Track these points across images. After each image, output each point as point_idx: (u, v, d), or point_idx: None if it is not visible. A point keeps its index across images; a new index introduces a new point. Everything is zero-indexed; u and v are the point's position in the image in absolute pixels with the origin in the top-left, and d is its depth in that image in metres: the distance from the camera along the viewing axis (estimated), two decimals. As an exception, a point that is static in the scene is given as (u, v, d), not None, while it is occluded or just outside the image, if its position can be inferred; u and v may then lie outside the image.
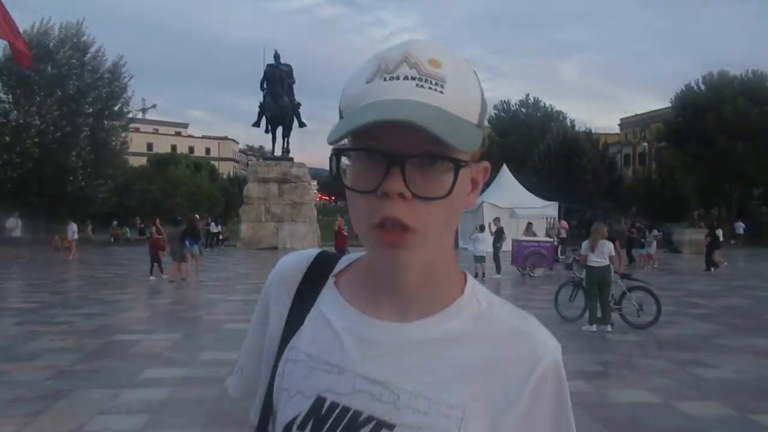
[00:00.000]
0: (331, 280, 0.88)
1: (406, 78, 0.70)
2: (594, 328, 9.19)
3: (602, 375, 6.86)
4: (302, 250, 0.98)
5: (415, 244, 0.71)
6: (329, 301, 0.85)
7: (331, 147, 0.74)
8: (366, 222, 0.72)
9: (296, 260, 0.93)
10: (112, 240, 35.72)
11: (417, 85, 0.69)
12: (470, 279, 0.86)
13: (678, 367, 7.11)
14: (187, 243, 15.72)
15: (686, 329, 9.62)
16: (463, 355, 0.78)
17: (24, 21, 35.83)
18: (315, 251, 0.94)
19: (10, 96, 32.80)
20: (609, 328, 9.21)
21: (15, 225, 22.54)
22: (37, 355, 7.29)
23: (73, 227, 22.98)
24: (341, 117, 0.75)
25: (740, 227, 36.98)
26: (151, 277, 15.75)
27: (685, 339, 8.84)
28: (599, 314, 9.31)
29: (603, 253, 9.27)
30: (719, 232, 22.03)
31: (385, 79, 0.70)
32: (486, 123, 0.79)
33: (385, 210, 0.69)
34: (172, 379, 6.33)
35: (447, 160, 0.70)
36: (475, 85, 0.75)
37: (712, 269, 19.98)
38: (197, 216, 18.90)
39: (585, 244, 9.61)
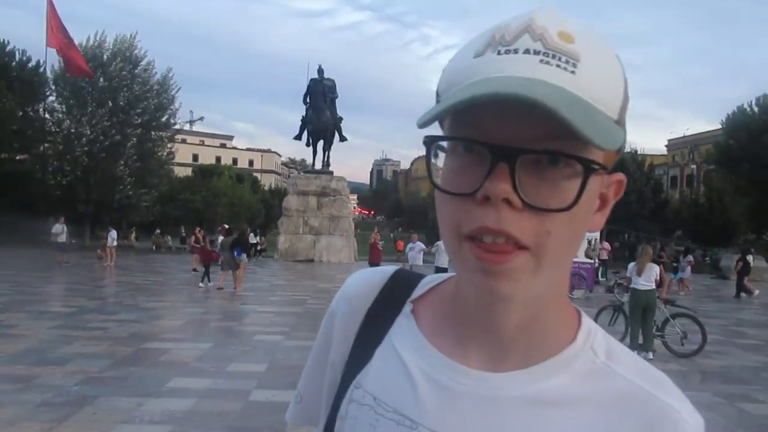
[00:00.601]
0: (408, 308, 0.72)
1: (527, 52, 0.54)
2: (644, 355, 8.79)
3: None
4: (375, 268, 0.81)
5: (523, 269, 0.55)
6: (404, 333, 0.70)
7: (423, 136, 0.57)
8: (455, 232, 0.56)
9: (368, 279, 0.77)
10: (154, 248, 36.39)
11: (541, 61, 0.53)
12: (586, 319, 0.68)
13: (725, 401, 6.70)
14: (236, 253, 16.06)
15: (734, 360, 9.14)
16: (568, 421, 0.60)
17: (79, 33, 37.21)
18: (390, 269, 0.79)
19: (64, 106, 34.00)
20: (650, 355, 8.83)
21: (61, 230, 23.14)
22: (68, 360, 7.34)
23: (113, 234, 23.41)
24: (438, 101, 0.59)
25: (793, 255, 35.50)
26: (201, 285, 16.39)
27: (732, 371, 8.37)
28: (641, 340, 8.95)
29: (650, 276, 8.96)
30: (750, 258, 21.54)
31: (499, 53, 0.55)
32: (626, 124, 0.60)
33: (486, 218, 0.53)
34: (198, 390, 6.27)
35: (574, 161, 0.53)
36: (617, 71, 0.58)
37: (743, 295, 19.67)
38: (248, 228, 19.36)
39: (631, 266, 9.31)
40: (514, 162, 0.52)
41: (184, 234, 37.73)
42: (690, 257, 24.67)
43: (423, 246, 16.82)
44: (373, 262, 16.00)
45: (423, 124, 0.54)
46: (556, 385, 0.62)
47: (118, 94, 33.74)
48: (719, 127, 46.65)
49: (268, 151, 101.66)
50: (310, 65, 34.12)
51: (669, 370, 8.29)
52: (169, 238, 39.55)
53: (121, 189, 33.60)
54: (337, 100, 32.84)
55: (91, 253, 25.47)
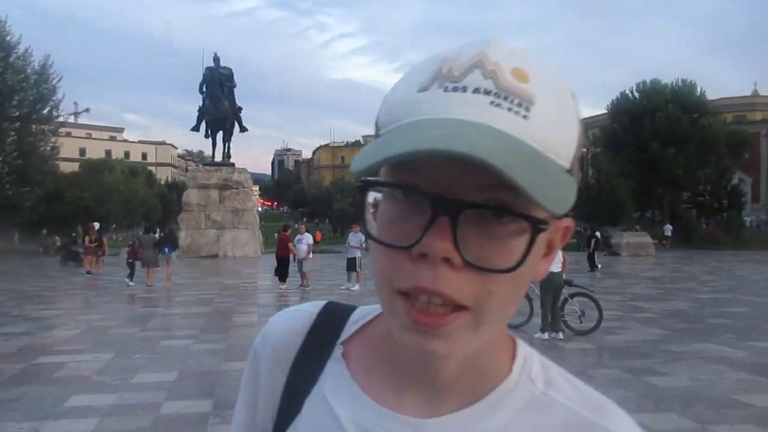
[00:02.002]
0: (338, 351, 0.66)
1: (477, 91, 0.48)
2: (546, 336, 9.09)
3: (559, 387, 6.67)
4: (302, 305, 0.72)
5: (461, 329, 0.50)
6: (335, 379, 0.64)
7: (357, 177, 0.51)
8: (388, 285, 0.51)
9: (291, 324, 0.69)
10: (41, 250, 33.85)
11: (492, 102, 0.48)
12: (521, 349, 0.63)
13: (632, 377, 7.01)
14: (166, 250, 16.62)
15: (635, 335, 9.63)
16: None
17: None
18: (318, 306, 0.71)
19: (-72, 98, 30.76)
20: (560, 335, 9.14)
21: None
22: (-53, 384, 6.56)
23: None
24: (377, 135, 0.53)
25: (668, 230, 38.57)
26: (129, 281, 16.56)
27: (635, 345, 8.80)
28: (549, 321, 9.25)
29: (558, 260, 9.20)
30: (598, 235, 24.22)
31: (446, 89, 0.49)
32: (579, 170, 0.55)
33: (422, 278, 0.48)
34: (101, 408, 5.75)
35: (521, 218, 0.48)
36: (572, 112, 0.53)
37: (596, 270, 21.57)
38: (175, 225, 20.24)
39: None
40: (457, 216, 0.48)
41: (73, 234, 35.38)
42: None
43: (311, 239, 16.17)
44: (281, 257, 15.48)
45: (359, 174, 0.48)
46: (495, 423, 0.58)
47: (-10, 84, 30.94)
48: (605, 111, 49.54)
49: (163, 143, 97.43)
50: (205, 53, 32.76)
51: (579, 348, 8.64)
52: (58, 238, 36.95)
53: (-1, 188, 30.93)
54: (235, 90, 31.83)
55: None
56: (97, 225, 24.95)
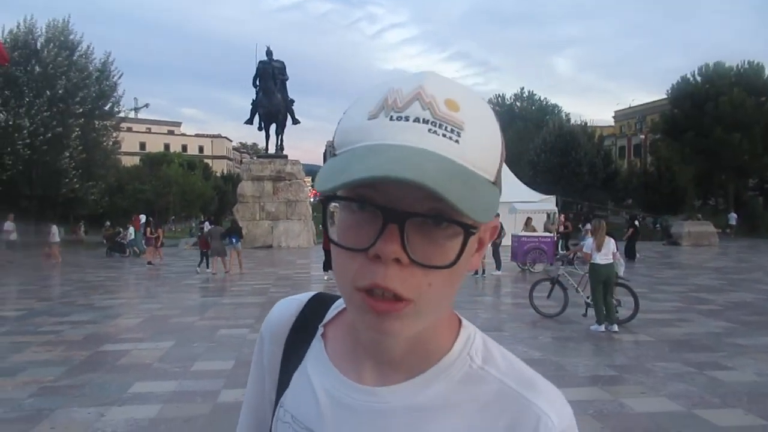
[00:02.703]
0: (319, 331, 0.80)
1: (417, 120, 0.59)
2: (602, 328, 8.87)
3: (617, 380, 6.50)
4: (296, 295, 0.87)
5: (408, 315, 0.61)
6: (315, 355, 0.78)
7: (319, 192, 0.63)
8: (351, 283, 0.62)
9: (286, 308, 0.85)
10: (104, 241, 35.18)
11: (430, 130, 0.59)
12: (465, 329, 0.74)
13: (696, 371, 6.76)
14: (232, 240, 17.59)
15: (697, 327, 9.28)
16: (446, 425, 0.68)
17: (10, 21, 35.28)
18: (307, 296, 0.86)
19: (-1, 98, 32.24)
20: (615, 327, 8.88)
21: (12, 228, 22.17)
22: (20, 370, 6.89)
23: (53, 230, 22.40)
24: (333, 154, 0.64)
25: (733, 218, 36.96)
26: (198, 269, 18.04)
27: (698, 338, 8.49)
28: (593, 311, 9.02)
29: (609, 250, 8.99)
30: (637, 223, 24.00)
31: (391, 118, 0.60)
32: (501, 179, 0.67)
33: (377, 275, 0.59)
34: (162, 395, 5.94)
35: (455, 224, 0.59)
36: (495, 134, 0.64)
37: (638, 257, 21.44)
38: (236, 219, 21.04)
39: (589, 241, 9.28)
40: (404, 223, 0.58)
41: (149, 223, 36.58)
42: (588, 226, 25.37)
43: None
44: (328, 249, 15.48)
45: (323, 192, 0.60)
46: (434, 392, 0.69)
47: (55, 82, 32.12)
48: (664, 97, 47.79)
49: (218, 136, 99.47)
50: (258, 47, 33.16)
51: (638, 341, 8.40)
52: (120, 230, 38.32)
53: (66, 182, 32.19)
54: (287, 82, 32.13)
55: (37, 252, 24.36)
56: (143, 217, 25.87)
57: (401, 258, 0.58)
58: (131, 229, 25.51)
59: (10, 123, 30.40)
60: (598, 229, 9.18)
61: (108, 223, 37.36)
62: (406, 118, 0.59)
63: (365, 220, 0.60)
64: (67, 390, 6.12)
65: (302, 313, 0.83)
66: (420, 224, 0.59)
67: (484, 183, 0.60)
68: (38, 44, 32.74)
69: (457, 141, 0.59)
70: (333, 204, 0.64)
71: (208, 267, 18.00)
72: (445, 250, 0.60)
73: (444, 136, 0.58)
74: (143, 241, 25.64)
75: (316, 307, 0.83)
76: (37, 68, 31.92)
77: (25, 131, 30.40)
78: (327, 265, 15.12)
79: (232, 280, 16.06)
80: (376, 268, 0.59)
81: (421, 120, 0.59)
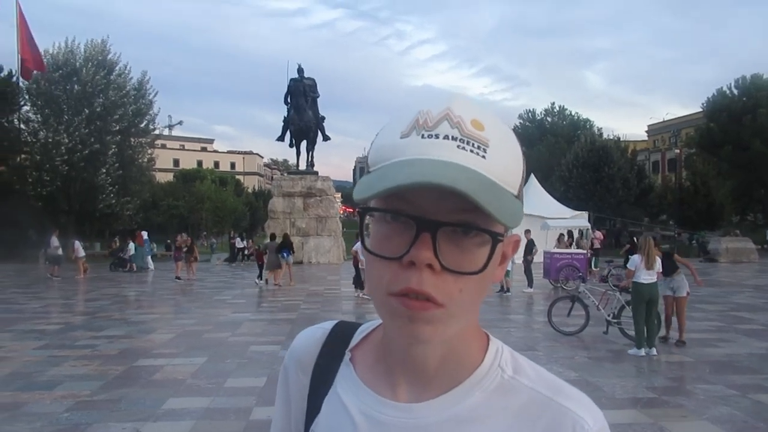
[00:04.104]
0: (347, 356, 0.82)
1: (446, 137, 0.64)
2: (643, 352, 8.43)
3: (657, 403, 6.31)
4: (318, 324, 0.89)
5: (440, 319, 0.65)
6: (345, 379, 0.79)
7: (357, 204, 0.67)
8: (385, 289, 0.65)
9: (311, 337, 0.87)
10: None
11: (458, 146, 0.64)
12: (494, 343, 0.78)
13: (739, 394, 6.53)
14: (284, 254, 18.88)
15: (739, 348, 8.99)
16: None
17: (50, 40, 36.39)
18: (331, 324, 0.88)
19: (39, 115, 33.23)
20: (654, 351, 8.54)
21: (58, 243, 22.72)
22: (57, 384, 7.00)
23: (76, 245, 22.79)
24: (368, 171, 0.68)
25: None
26: (257, 281, 19.25)
27: (740, 359, 8.23)
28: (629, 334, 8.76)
29: (655, 269, 8.68)
30: (635, 240, 23.14)
31: (423, 137, 0.64)
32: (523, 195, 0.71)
33: (411, 280, 0.63)
34: (196, 411, 5.97)
35: (483, 233, 0.64)
36: (517, 153, 0.69)
37: None
38: (287, 233, 22.24)
39: (636, 258, 8.79)
40: (436, 232, 0.62)
41: (168, 241, 37.12)
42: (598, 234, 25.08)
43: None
44: (357, 264, 15.39)
45: (360, 201, 0.64)
46: (470, 404, 0.71)
47: (93, 100, 33.03)
48: (699, 110, 47.00)
49: (250, 153, 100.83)
50: (289, 65, 33.61)
51: (676, 362, 8.17)
52: (154, 245, 38.92)
53: (103, 197, 32.95)
54: (318, 99, 32.46)
55: (75, 266, 24.88)
56: (145, 234, 26.46)
57: (434, 264, 0.62)
58: (132, 245, 25.86)
59: (50, 140, 31.30)
60: (645, 247, 8.73)
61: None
62: (437, 136, 0.64)
63: (399, 231, 0.64)
64: (104, 405, 6.19)
65: (327, 341, 0.85)
66: (450, 233, 0.63)
67: (508, 194, 0.65)
68: (78, 64, 33.70)
69: (483, 156, 0.63)
70: (368, 216, 0.68)
71: (260, 279, 19.19)
72: (474, 257, 0.64)
73: (471, 151, 0.63)
74: (149, 257, 26.19)
75: (341, 333, 0.85)
76: (76, 87, 32.86)
77: (63, 148, 31.25)
78: (357, 281, 15.12)
79: (264, 296, 16.16)
80: (410, 273, 0.63)
81: (450, 137, 0.64)
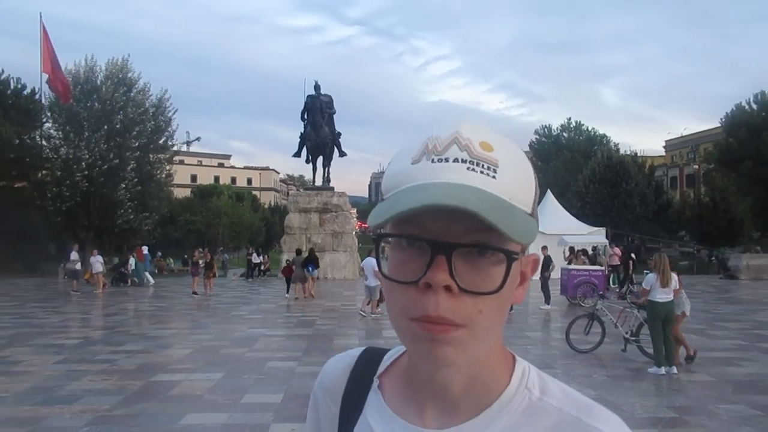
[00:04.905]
0: (375, 383, 0.82)
1: (456, 160, 0.65)
2: (663, 371, 8.34)
3: (678, 423, 6.22)
4: (346, 351, 0.90)
5: (461, 340, 0.64)
6: (374, 407, 0.80)
7: (373, 231, 0.68)
8: (404, 315, 0.66)
9: (339, 365, 0.88)
10: (156, 271, 36.06)
11: (468, 168, 0.65)
12: (520, 363, 0.77)
13: (762, 414, 6.43)
14: (309, 268, 19.66)
15: (762, 367, 8.84)
16: None
17: (71, 59, 37.07)
18: (358, 351, 0.89)
19: (60, 132, 33.76)
20: (674, 369, 8.46)
21: (77, 258, 22.99)
22: (76, 398, 7.06)
23: (99, 259, 22.97)
24: (382, 199, 0.69)
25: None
26: (286, 295, 19.94)
27: (763, 379, 8.09)
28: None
29: (671, 288, 8.57)
30: (633, 256, 23.94)
31: (433, 161, 0.66)
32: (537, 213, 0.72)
33: (428, 305, 0.63)
34: (213, 427, 5.99)
35: (498, 252, 0.64)
36: (529, 171, 0.70)
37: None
38: (313, 248, 22.79)
39: (651, 276, 8.70)
40: (450, 254, 0.63)
41: (185, 255, 37.37)
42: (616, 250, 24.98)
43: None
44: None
45: (375, 227, 0.65)
46: (498, 427, 0.70)
47: (113, 117, 33.48)
48: (717, 125, 46.63)
49: (266, 168, 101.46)
50: (306, 82, 33.77)
51: (697, 381, 8.05)
52: (171, 260, 39.25)
53: (122, 213, 33.30)
54: (334, 115, 32.67)
55: (92, 280, 25.12)
56: (145, 249, 26.67)
57: (451, 286, 0.62)
58: (132, 260, 26.03)
59: (70, 156, 31.75)
60: (660, 264, 8.62)
61: (159, 254, 38.36)
62: (446, 160, 0.65)
63: (414, 255, 0.65)
64: (123, 420, 6.23)
65: (356, 368, 0.85)
66: (465, 254, 0.64)
67: (521, 213, 0.65)
68: (98, 81, 34.26)
69: (494, 177, 0.64)
70: (384, 242, 0.69)
71: (288, 292, 19.97)
72: (490, 276, 0.64)
73: (481, 172, 0.64)
74: (151, 271, 26.36)
75: (368, 360, 0.86)
76: (97, 104, 33.37)
77: (83, 164, 31.69)
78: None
79: (280, 312, 16.19)
80: (428, 298, 0.63)
81: (460, 160, 0.65)
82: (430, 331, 0.63)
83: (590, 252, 22.80)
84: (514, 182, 0.66)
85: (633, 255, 23.82)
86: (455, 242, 0.63)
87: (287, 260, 22.92)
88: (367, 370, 0.84)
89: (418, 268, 0.63)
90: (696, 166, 47.08)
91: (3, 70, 34.77)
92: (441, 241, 0.63)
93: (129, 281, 25.70)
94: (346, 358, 0.88)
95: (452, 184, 0.63)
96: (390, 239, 0.67)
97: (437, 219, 0.62)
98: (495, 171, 0.65)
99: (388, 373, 0.82)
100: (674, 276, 8.67)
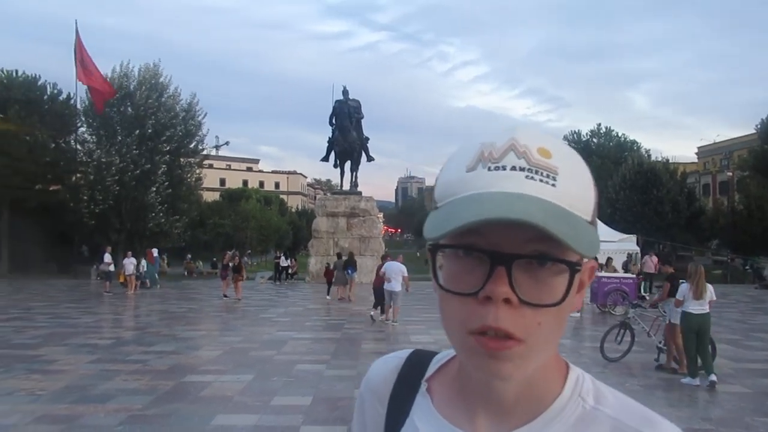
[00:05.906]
0: (423, 386, 0.80)
1: (513, 168, 0.63)
2: (696, 382, 8.18)
3: (713, 435, 6.10)
4: (393, 353, 0.89)
5: (520, 355, 0.63)
6: (422, 410, 0.78)
7: (428, 241, 0.66)
8: (462, 327, 0.64)
9: (387, 366, 0.87)
10: (185, 273, 36.54)
11: (527, 176, 0.62)
12: (574, 371, 0.75)
13: (802, 428, 6.26)
14: (349, 271, 20.44)
15: (800, 380, 8.61)
16: None
17: (105, 65, 37.87)
18: (406, 353, 0.87)
19: (94, 137, 34.49)
20: (713, 377, 8.19)
21: (110, 260, 23.47)
22: (110, 397, 7.19)
23: (132, 261, 23.36)
24: (435, 207, 0.67)
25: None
26: (327, 297, 20.68)
27: (802, 392, 7.88)
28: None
29: (706, 299, 8.31)
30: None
31: (489, 169, 0.64)
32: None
33: (488, 317, 0.61)
34: (244, 428, 6.05)
35: (560, 263, 0.62)
36: (588, 178, 0.67)
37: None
38: (352, 252, 23.50)
39: (684, 287, 8.45)
40: (510, 265, 0.61)
41: (214, 258, 37.78)
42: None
43: (405, 270, 14.38)
44: (377, 287, 15.02)
45: (432, 240, 0.64)
46: None
47: (145, 122, 34.09)
48: (751, 132, 45.60)
49: (294, 172, 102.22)
50: (334, 87, 33.94)
51: (734, 392, 7.87)
52: (200, 263, 39.71)
53: (153, 216, 33.85)
54: (362, 120, 32.79)
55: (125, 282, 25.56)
56: (155, 252, 27.16)
57: (511, 298, 0.61)
58: (143, 262, 26.32)
59: (103, 160, 32.41)
60: (695, 275, 8.35)
61: (189, 256, 38.85)
62: (504, 167, 0.63)
63: (472, 266, 0.63)
64: (155, 419, 6.32)
65: (403, 370, 0.84)
66: (525, 265, 0.61)
67: (582, 222, 0.63)
68: (132, 87, 34.93)
69: (553, 185, 0.62)
70: (440, 252, 0.67)
71: (328, 294, 20.76)
72: (552, 288, 0.62)
73: (541, 181, 0.62)
74: (154, 273, 26.63)
75: (416, 362, 0.84)
76: (130, 109, 34.03)
77: (114, 168, 32.31)
78: (377, 303, 14.98)
79: (308, 315, 16.27)
80: (487, 310, 0.61)
81: (518, 168, 0.62)
82: (488, 348, 0.62)
83: (625, 259, 22.47)
84: (575, 190, 0.63)
85: (657, 261, 23.47)
86: (515, 253, 0.61)
87: (327, 264, 23.74)
88: (414, 372, 0.83)
89: (477, 279, 0.62)
90: (730, 173, 46.15)
91: (40, 76, 35.72)
92: (501, 252, 0.61)
93: (139, 282, 26.08)
94: (394, 359, 0.87)
95: (512, 194, 0.60)
96: (445, 249, 0.65)
97: (496, 229, 0.60)
98: (555, 178, 0.62)
99: (437, 378, 0.81)
100: (709, 287, 8.39)
